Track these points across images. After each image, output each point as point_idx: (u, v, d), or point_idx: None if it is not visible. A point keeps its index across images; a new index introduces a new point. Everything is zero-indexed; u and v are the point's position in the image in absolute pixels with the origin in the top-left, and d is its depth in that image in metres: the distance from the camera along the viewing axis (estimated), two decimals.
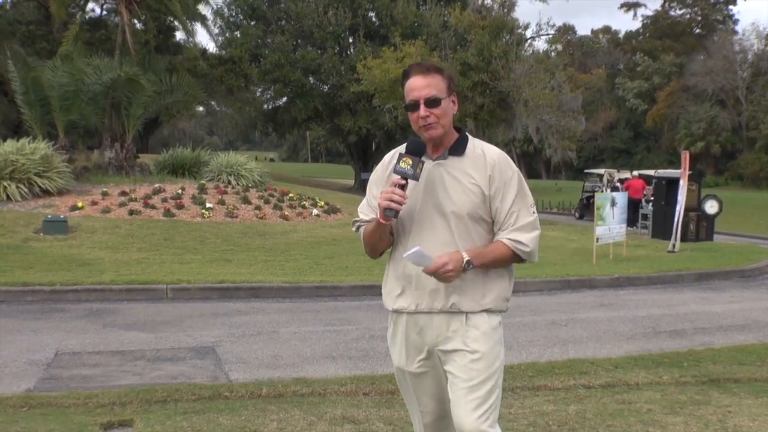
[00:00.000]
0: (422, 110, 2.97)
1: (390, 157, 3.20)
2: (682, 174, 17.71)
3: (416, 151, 2.96)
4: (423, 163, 2.94)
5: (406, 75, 3.08)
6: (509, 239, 3.00)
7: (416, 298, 3.06)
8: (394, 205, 2.86)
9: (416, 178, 2.92)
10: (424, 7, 40.33)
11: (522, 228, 3.02)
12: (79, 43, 24.19)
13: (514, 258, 3.05)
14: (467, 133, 3.16)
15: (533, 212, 3.09)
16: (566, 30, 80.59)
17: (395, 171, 2.94)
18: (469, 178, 3.02)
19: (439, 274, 2.86)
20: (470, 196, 3.00)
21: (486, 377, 3.00)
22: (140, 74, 22.18)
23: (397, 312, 3.14)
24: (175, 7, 24.98)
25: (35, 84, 20.64)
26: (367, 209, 3.19)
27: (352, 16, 39.57)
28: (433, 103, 2.97)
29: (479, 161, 3.05)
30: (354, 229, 3.28)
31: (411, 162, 2.91)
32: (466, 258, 2.90)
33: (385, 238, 3.09)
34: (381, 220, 2.94)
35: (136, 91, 21.92)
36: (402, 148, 3.07)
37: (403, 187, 2.89)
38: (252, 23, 41.39)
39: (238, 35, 40.47)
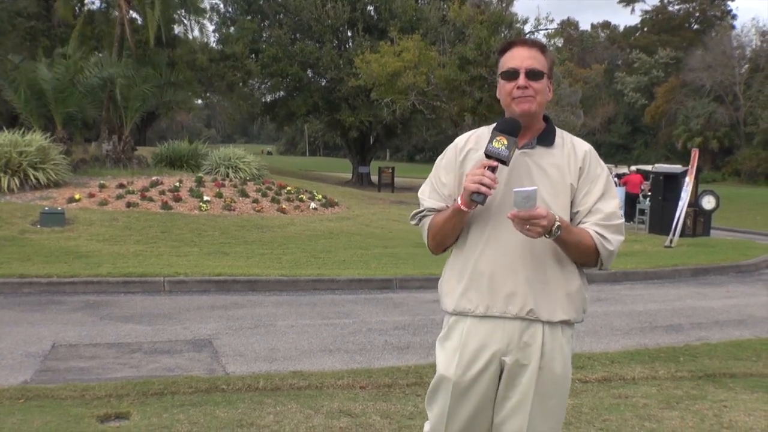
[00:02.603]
0: (522, 79, 2.69)
1: (465, 141, 2.89)
2: (689, 171, 17.69)
3: (511, 131, 2.64)
4: (517, 142, 2.63)
5: (506, 47, 2.80)
6: (597, 232, 2.70)
7: (487, 300, 2.74)
8: (484, 189, 2.52)
9: (508, 161, 2.60)
10: (422, 0, 40.30)
11: (610, 227, 2.73)
12: (85, 40, 24.16)
13: (591, 254, 2.73)
14: (554, 125, 2.89)
15: (621, 215, 2.82)
16: (568, 24, 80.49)
17: (487, 151, 2.61)
18: (557, 171, 2.75)
19: (529, 223, 2.51)
20: (557, 191, 2.73)
21: (558, 399, 2.79)
22: (137, 69, 22.17)
23: (460, 314, 2.81)
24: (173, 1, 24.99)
25: (28, 78, 20.58)
26: (435, 196, 2.87)
27: (351, 9, 39.46)
28: (535, 75, 2.70)
29: (569, 154, 2.80)
30: (414, 222, 2.94)
31: (506, 142, 2.59)
32: (557, 223, 2.56)
33: (459, 228, 2.77)
34: (463, 207, 2.62)
35: (134, 86, 21.89)
36: (482, 130, 2.85)
37: (493, 169, 2.57)
38: (248, 17, 41.26)
39: (233, 30, 40.35)
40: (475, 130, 2.94)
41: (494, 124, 2.76)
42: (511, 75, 2.71)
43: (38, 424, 4.73)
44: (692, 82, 62.15)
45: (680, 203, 17.21)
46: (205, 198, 17.44)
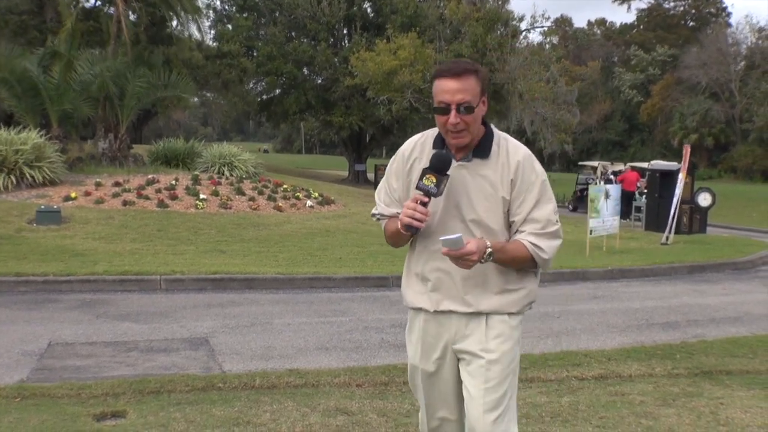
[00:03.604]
0: (453, 116, 2.81)
1: (411, 149, 3.08)
2: (681, 167, 17.73)
3: (441, 168, 2.82)
4: (448, 177, 2.82)
5: (438, 74, 2.90)
6: (531, 243, 2.89)
7: (435, 298, 3.01)
8: (416, 223, 2.77)
9: (439, 195, 2.82)
10: None
11: (544, 235, 2.91)
12: (75, 37, 24.03)
13: (530, 262, 2.93)
14: (493, 127, 3.01)
15: (557, 220, 2.97)
16: (563, 22, 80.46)
17: (417, 187, 2.82)
18: (490, 185, 2.91)
19: (462, 259, 2.72)
20: (491, 204, 2.91)
21: (503, 379, 2.95)
22: (132, 67, 22.10)
23: (416, 310, 3.11)
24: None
25: (21, 76, 20.52)
26: (387, 200, 3.12)
27: (349, 6, 39.30)
28: (466, 110, 2.81)
29: (503, 165, 2.92)
30: (374, 219, 3.22)
31: (435, 180, 2.79)
32: (489, 249, 2.78)
33: (407, 239, 3.05)
34: (402, 231, 2.85)
35: (128, 83, 21.83)
36: (427, 137, 3.03)
37: (425, 204, 2.79)
38: (244, 15, 41.16)
39: (230, 28, 40.26)
40: (423, 134, 3.11)
41: (436, 131, 3.00)
42: (444, 111, 2.83)
43: (34, 423, 4.72)
44: (688, 79, 62.29)
45: (674, 200, 17.25)
46: (202, 196, 17.41)
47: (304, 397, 5.38)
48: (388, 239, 3.14)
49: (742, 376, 6.29)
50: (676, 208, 17.24)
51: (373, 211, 3.21)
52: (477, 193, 2.91)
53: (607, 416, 5.06)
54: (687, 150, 18.04)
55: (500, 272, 2.94)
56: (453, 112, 2.80)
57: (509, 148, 2.96)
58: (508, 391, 2.97)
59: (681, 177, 17.46)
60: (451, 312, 2.98)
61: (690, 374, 6.28)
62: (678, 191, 17.28)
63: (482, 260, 2.78)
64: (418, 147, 3.05)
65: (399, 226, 2.85)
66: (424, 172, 2.83)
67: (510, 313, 2.99)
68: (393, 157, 3.18)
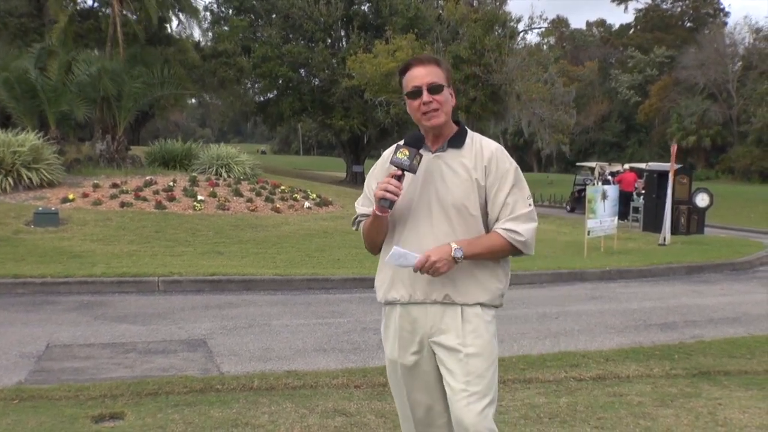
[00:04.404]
0: (425, 95, 2.96)
1: (390, 152, 3.15)
2: (670, 167, 17.77)
3: (414, 144, 2.95)
4: (421, 156, 2.93)
5: (405, 68, 3.07)
6: (504, 229, 2.97)
7: (409, 288, 3.04)
8: (389, 195, 2.85)
9: (413, 170, 2.91)
10: None
11: (517, 218, 2.99)
12: (68, 36, 24.02)
13: (510, 249, 3.01)
14: (466, 127, 3.15)
15: (530, 204, 3.06)
16: (559, 23, 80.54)
17: (391, 162, 2.93)
18: (466, 170, 3.00)
19: (427, 269, 2.85)
20: (468, 188, 2.98)
21: (483, 372, 2.98)
22: (129, 67, 22.09)
23: (390, 303, 3.13)
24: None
25: (20, 78, 20.50)
26: (365, 203, 3.18)
27: (348, 6, 39.20)
28: (435, 89, 2.97)
29: (477, 154, 3.04)
30: (354, 227, 3.27)
31: (408, 153, 2.90)
32: (454, 247, 2.87)
33: (383, 231, 3.08)
34: (377, 212, 2.92)
35: (125, 84, 21.82)
36: (402, 141, 3.07)
37: (399, 178, 2.89)
38: (240, 16, 41.11)
39: (227, 29, 40.20)
40: (399, 142, 3.15)
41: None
42: (416, 94, 2.99)
43: (33, 425, 4.72)
44: (686, 80, 62.28)
45: (666, 199, 17.28)
46: (199, 197, 17.41)
47: (302, 399, 5.38)
48: (365, 240, 3.18)
49: (740, 376, 6.29)
50: (668, 208, 17.25)
51: (352, 224, 3.29)
52: (453, 178, 3.00)
53: (605, 417, 5.06)
54: (673, 149, 18.11)
55: (474, 264, 2.99)
56: (425, 92, 2.96)
57: (482, 142, 3.10)
58: (490, 382, 3.01)
59: (670, 176, 17.51)
60: (425, 303, 3.02)
61: (688, 375, 6.28)
62: (668, 190, 17.31)
63: (456, 262, 2.88)
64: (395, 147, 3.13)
65: (374, 208, 2.94)
66: (398, 147, 2.95)
67: (484, 306, 3.04)
68: (374, 165, 3.29)
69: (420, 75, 2.98)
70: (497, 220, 3.01)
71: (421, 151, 2.94)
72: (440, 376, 3.07)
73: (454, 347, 2.99)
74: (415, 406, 3.19)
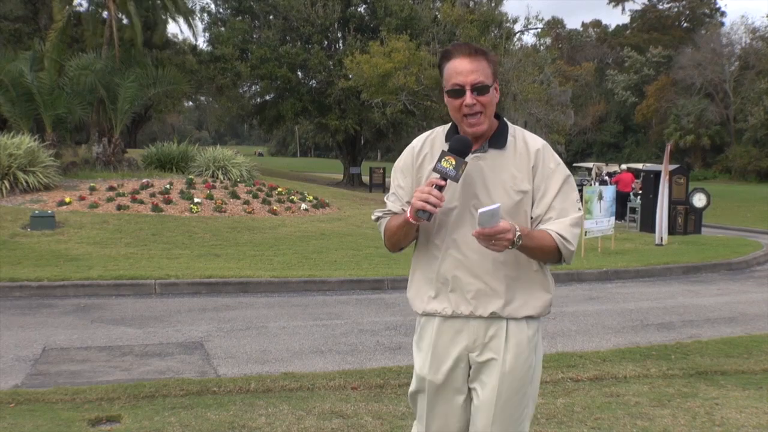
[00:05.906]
0: (468, 97, 2.66)
1: (421, 144, 2.91)
2: (663, 166, 17.78)
3: (462, 151, 2.65)
4: (466, 163, 2.62)
5: (447, 55, 2.73)
6: (558, 233, 2.71)
7: (452, 301, 2.80)
8: (429, 207, 2.55)
9: (457, 179, 2.61)
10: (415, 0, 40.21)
11: (568, 224, 2.74)
12: (65, 38, 24.01)
13: (554, 256, 2.77)
14: (506, 120, 2.87)
15: (579, 208, 2.82)
16: (555, 23, 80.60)
17: (435, 169, 2.62)
18: (510, 174, 2.75)
19: (494, 238, 2.51)
20: (512, 196, 2.74)
21: (517, 389, 2.80)
22: (123, 68, 22.09)
23: (429, 315, 2.87)
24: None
25: (15, 81, 20.48)
26: (394, 199, 2.91)
27: (345, 7, 39.19)
28: (481, 90, 2.67)
29: (521, 155, 2.78)
30: (374, 218, 3.00)
31: (454, 162, 2.60)
32: (518, 233, 2.56)
33: (410, 235, 2.83)
34: (411, 220, 2.63)
35: (120, 87, 21.81)
36: (437, 133, 2.88)
37: (441, 188, 2.59)
38: (238, 18, 41.08)
39: (224, 30, 40.17)
40: (432, 131, 2.96)
41: (449, 125, 2.85)
42: (458, 93, 2.69)
43: (29, 428, 4.71)
44: (682, 80, 62.42)
45: (659, 198, 17.28)
46: (196, 200, 17.40)
47: (299, 401, 5.38)
48: (387, 239, 2.91)
49: (737, 376, 6.30)
50: (662, 208, 17.25)
51: (376, 212, 2.99)
52: (495, 183, 2.74)
53: (602, 417, 5.06)
54: (667, 149, 18.12)
55: (521, 272, 2.80)
56: (468, 93, 2.66)
57: (527, 138, 2.84)
58: (523, 401, 2.82)
59: (663, 175, 17.51)
60: (469, 317, 2.79)
61: (685, 375, 6.29)
62: (662, 190, 17.30)
63: (512, 244, 2.57)
64: (428, 143, 2.89)
65: (408, 215, 2.65)
66: (443, 154, 2.63)
67: (530, 318, 2.86)
68: (399, 157, 3.00)
69: (464, 70, 2.66)
70: (542, 221, 2.77)
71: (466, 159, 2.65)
72: (468, 401, 2.87)
73: (492, 362, 2.79)
74: (432, 420, 2.93)
